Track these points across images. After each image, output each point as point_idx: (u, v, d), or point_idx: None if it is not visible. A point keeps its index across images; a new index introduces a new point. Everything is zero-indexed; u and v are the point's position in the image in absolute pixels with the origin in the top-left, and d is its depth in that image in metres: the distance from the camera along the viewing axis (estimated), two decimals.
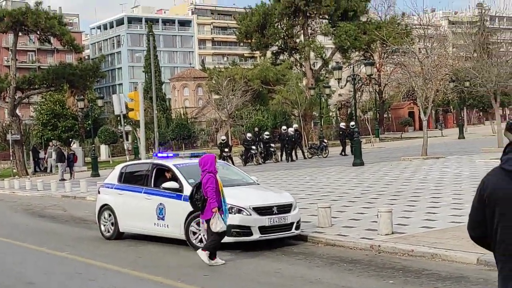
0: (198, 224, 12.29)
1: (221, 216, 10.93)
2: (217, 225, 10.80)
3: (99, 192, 15.63)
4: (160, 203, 13.27)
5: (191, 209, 12.26)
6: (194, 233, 12.45)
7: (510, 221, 3.31)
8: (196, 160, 14.47)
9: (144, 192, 13.84)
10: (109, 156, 61.83)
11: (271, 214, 12.32)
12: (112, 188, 14.92)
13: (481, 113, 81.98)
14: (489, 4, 54.73)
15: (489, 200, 3.38)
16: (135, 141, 56.01)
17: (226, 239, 11.37)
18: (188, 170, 13.43)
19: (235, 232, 11.98)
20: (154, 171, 13.94)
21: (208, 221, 10.96)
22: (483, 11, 69.49)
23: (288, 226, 12.55)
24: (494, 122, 41.08)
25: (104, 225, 14.86)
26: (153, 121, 35.71)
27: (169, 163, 13.83)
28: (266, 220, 12.22)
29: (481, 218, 3.44)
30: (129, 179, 14.72)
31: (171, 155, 15.37)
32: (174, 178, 13.28)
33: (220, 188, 11.00)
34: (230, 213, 11.61)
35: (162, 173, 13.76)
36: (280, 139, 40.94)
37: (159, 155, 15.23)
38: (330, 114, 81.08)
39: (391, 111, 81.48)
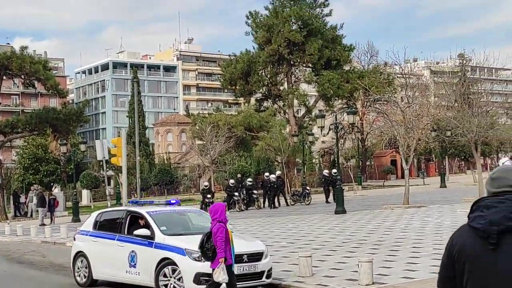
0: (165, 275, 12.32)
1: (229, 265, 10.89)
2: (220, 275, 10.73)
3: (74, 239, 15.65)
4: (132, 251, 13.27)
5: (161, 256, 12.39)
6: (166, 286, 12.43)
7: (478, 279, 3.36)
8: (170, 208, 14.61)
9: (117, 239, 13.84)
10: (90, 201, 61.35)
11: (241, 262, 12.31)
12: (87, 235, 14.95)
13: (462, 162, 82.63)
14: (470, 55, 55.70)
15: (458, 257, 3.44)
16: (117, 186, 55.75)
17: None
18: (161, 218, 13.53)
19: (204, 280, 11.94)
20: (128, 218, 13.96)
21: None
22: (464, 61, 70.69)
23: (259, 275, 12.53)
24: (476, 172, 41.41)
25: (78, 273, 14.79)
26: (136, 166, 35.68)
27: (143, 210, 13.88)
28: (235, 268, 12.21)
29: (451, 273, 3.49)
30: (104, 226, 14.76)
31: (163, 203, 15.42)
32: (147, 226, 13.29)
33: (230, 238, 10.98)
34: (198, 260, 11.67)
35: (136, 220, 13.78)
36: (262, 185, 40.98)
37: (133, 201, 15.35)
38: (313, 161, 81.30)
39: (374, 159, 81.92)
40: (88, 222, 15.40)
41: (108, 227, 14.63)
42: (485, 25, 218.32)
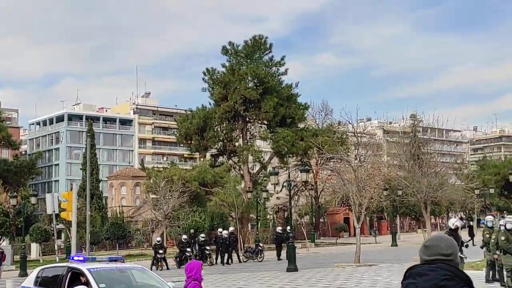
0: None
1: None
2: None
3: None
4: None
5: None
6: None
7: None
8: (111, 265, 14.44)
9: None
10: (39, 255, 59.97)
11: None
12: None
13: (414, 221, 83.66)
14: (421, 116, 57.23)
15: None
16: (68, 240, 54.64)
17: None
18: (101, 275, 13.38)
19: None
20: (69, 275, 13.77)
21: None
22: (416, 122, 72.29)
23: None
24: (426, 231, 41.98)
25: None
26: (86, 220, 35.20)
27: (83, 267, 13.71)
28: None
29: None
30: (45, 282, 14.52)
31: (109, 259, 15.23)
32: (87, 283, 13.14)
33: None
34: None
35: (77, 277, 13.60)
36: (215, 241, 40.80)
37: (75, 258, 15.10)
38: (268, 217, 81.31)
39: (327, 216, 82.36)
40: (30, 278, 15.15)
41: (49, 283, 14.35)
42: (437, 87, 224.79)
